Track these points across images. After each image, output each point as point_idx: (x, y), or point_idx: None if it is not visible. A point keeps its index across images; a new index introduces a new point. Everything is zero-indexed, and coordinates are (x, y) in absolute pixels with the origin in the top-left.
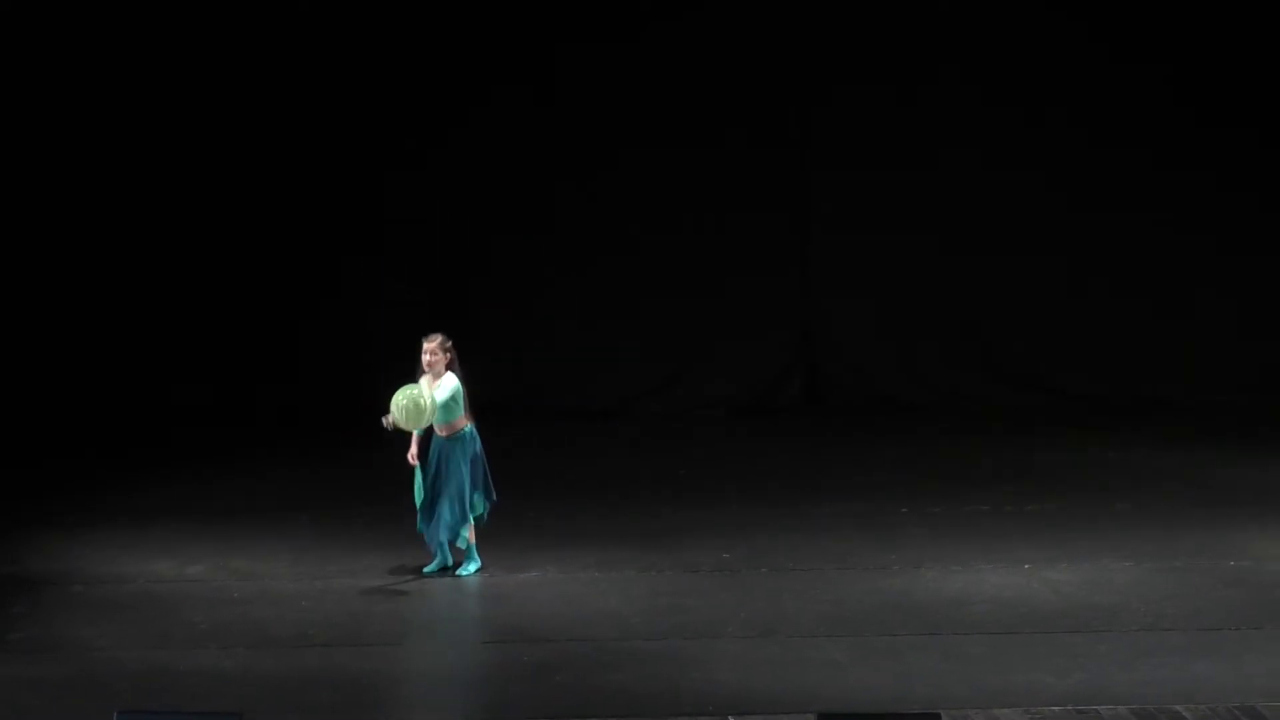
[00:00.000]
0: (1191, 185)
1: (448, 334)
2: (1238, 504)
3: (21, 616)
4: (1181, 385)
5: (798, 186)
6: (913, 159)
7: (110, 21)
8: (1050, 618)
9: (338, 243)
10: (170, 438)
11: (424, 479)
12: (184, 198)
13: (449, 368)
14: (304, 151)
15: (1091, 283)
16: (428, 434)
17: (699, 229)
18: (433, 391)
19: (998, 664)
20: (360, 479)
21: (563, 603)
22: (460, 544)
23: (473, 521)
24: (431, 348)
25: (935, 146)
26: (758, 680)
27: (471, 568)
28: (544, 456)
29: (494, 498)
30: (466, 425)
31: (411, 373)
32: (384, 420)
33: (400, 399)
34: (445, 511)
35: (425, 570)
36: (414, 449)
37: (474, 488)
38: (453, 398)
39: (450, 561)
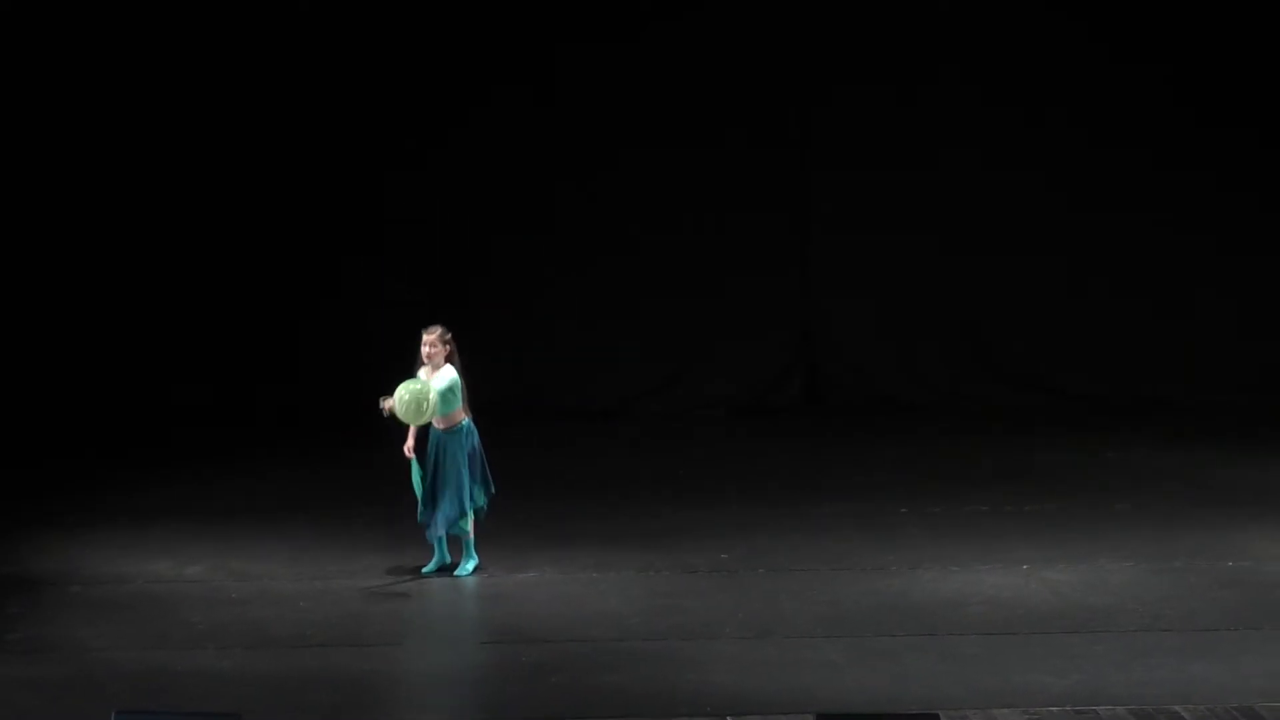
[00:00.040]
0: (1191, 185)
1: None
2: (1237, 504)
3: (20, 616)
4: (1181, 385)
5: (798, 186)
6: (913, 159)
7: (110, 21)
8: (1048, 618)
9: (338, 243)
10: (170, 438)
11: (422, 472)
12: (184, 198)
13: (448, 360)
14: (304, 151)
15: (1091, 283)
16: (425, 426)
17: (699, 229)
18: (430, 382)
19: (996, 664)
20: (359, 479)
21: (561, 603)
22: (457, 533)
23: (472, 515)
24: (431, 339)
25: (935, 146)
26: (755, 681)
27: (469, 566)
28: (543, 456)
29: (493, 490)
30: (464, 418)
31: (411, 372)
32: (382, 405)
33: (404, 394)
34: (445, 504)
35: (424, 570)
36: (410, 441)
37: (473, 480)
38: (450, 389)
39: (448, 559)
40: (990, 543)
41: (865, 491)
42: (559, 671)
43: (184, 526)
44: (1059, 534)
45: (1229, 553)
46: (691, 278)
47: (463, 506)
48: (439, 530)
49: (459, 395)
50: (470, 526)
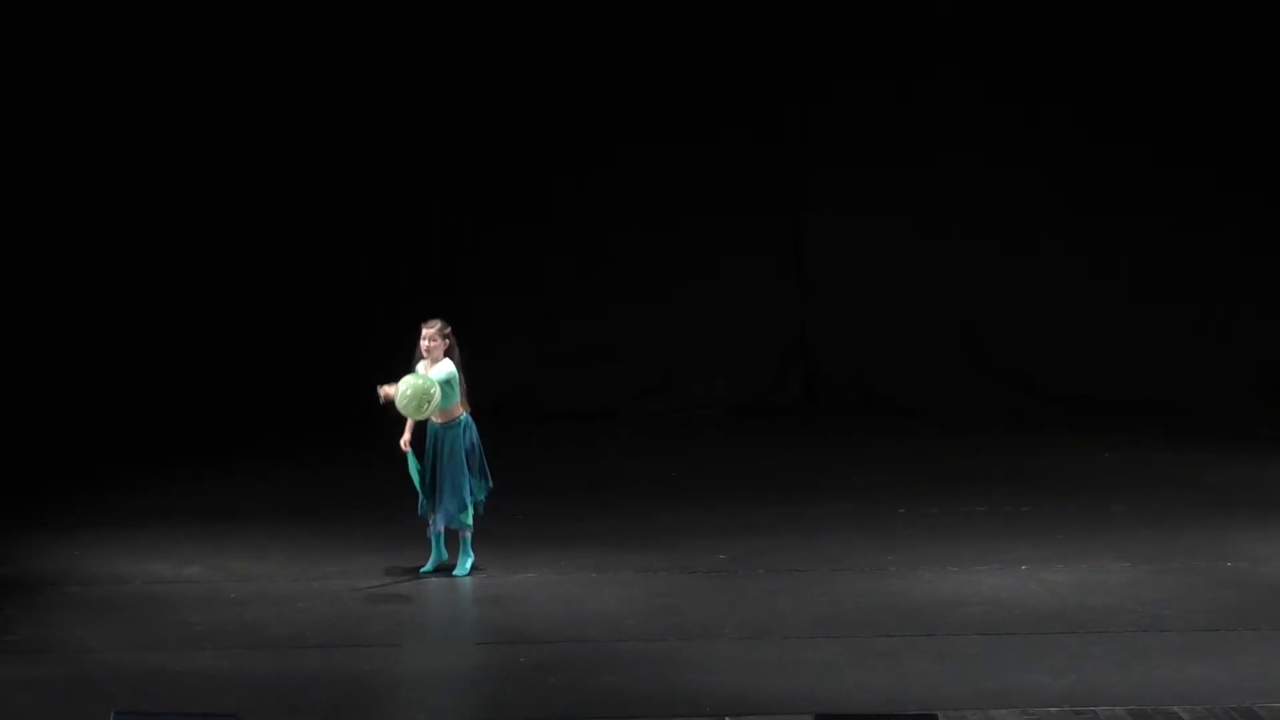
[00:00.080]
0: (1191, 185)
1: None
2: (1236, 505)
3: (18, 617)
4: (1181, 385)
5: (797, 187)
6: (913, 159)
7: (109, 21)
8: (1047, 619)
9: (337, 243)
10: (168, 438)
11: (420, 466)
12: (184, 198)
13: (447, 354)
14: (304, 151)
15: (1091, 283)
16: (422, 420)
17: (698, 229)
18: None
19: (994, 665)
20: (358, 480)
21: (559, 604)
22: (457, 527)
23: (472, 509)
24: (430, 333)
25: (935, 146)
26: (754, 681)
27: (467, 564)
28: (541, 457)
29: (490, 484)
30: (462, 413)
31: (410, 366)
32: (380, 391)
33: (406, 389)
34: (445, 500)
35: (421, 570)
36: (407, 435)
37: (471, 474)
38: (448, 382)
39: (445, 556)
40: (989, 543)
41: (864, 492)
42: (557, 672)
43: (182, 527)
44: (1057, 535)
45: (1227, 553)
46: (691, 278)
47: (463, 500)
48: (438, 526)
49: (457, 389)
50: (471, 520)
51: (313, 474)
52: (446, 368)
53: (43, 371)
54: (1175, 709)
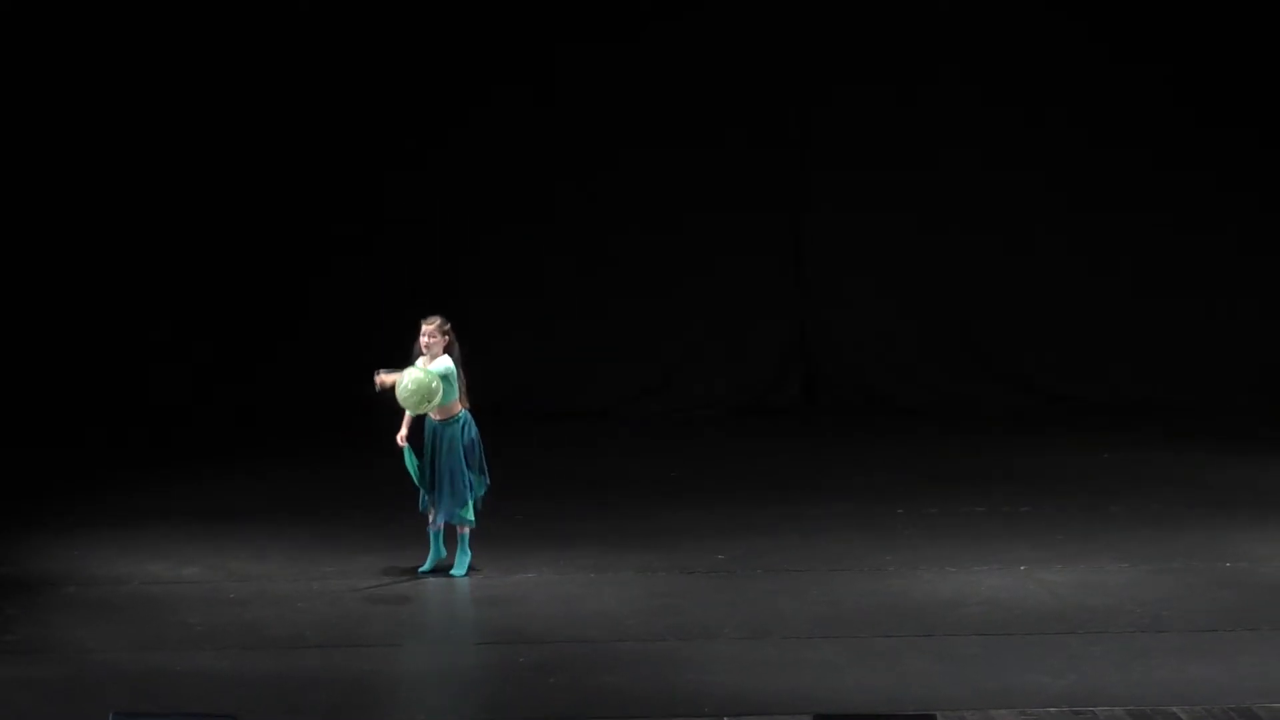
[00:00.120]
0: (1191, 185)
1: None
2: (1236, 505)
3: (16, 618)
4: (1181, 385)
5: (797, 187)
6: (913, 159)
7: (109, 21)
8: (1046, 619)
9: (337, 243)
10: (168, 438)
11: (418, 461)
12: (184, 198)
13: (446, 350)
14: (304, 151)
15: (1091, 283)
16: (420, 416)
17: (698, 229)
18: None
19: (993, 665)
20: (357, 480)
21: (558, 604)
22: (458, 522)
23: (472, 504)
24: (430, 329)
25: (935, 146)
26: (753, 681)
27: (465, 563)
28: (541, 457)
29: (488, 482)
30: (461, 410)
31: (410, 363)
32: (378, 378)
33: (409, 383)
34: (445, 496)
35: (420, 570)
36: (404, 430)
37: (470, 470)
38: (445, 377)
39: (443, 553)
40: (988, 544)
41: (863, 492)
42: (557, 672)
43: (182, 527)
44: (1057, 535)
45: (1227, 553)
46: (691, 278)
47: (463, 497)
48: (438, 523)
49: (455, 385)
50: (473, 516)
51: (313, 474)
52: (444, 363)
53: (43, 371)
54: (1174, 709)
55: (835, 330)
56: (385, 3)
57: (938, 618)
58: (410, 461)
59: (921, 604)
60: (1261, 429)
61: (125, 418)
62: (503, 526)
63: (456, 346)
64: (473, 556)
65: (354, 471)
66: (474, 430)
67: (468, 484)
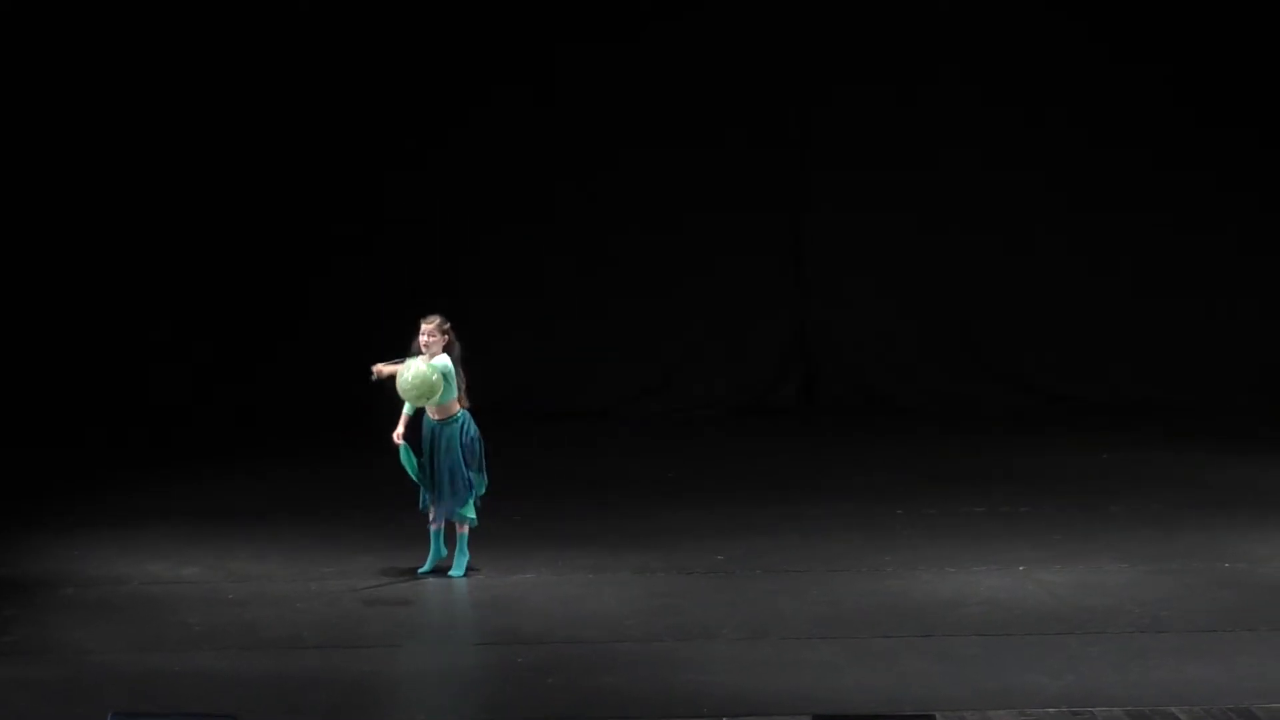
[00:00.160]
0: (1191, 185)
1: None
2: (1235, 505)
3: (16, 618)
4: (1181, 385)
5: (797, 187)
6: (913, 159)
7: (109, 21)
8: (1045, 619)
9: (337, 243)
10: (168, 438)
11: (416, 460)
12: (184, 198)
13: (446, 349)
14: (304, 151)
15: (1091, 283)
16: (418, 416)
17: (698, 229)
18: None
19: (992, 666)
20: (358, 480)
21: (557, 604)
22: (458, 520)
23: (473, 502)
24: (429, 328)
25: (935, 146)
26: (752, 682)
27: (464, 563)
28: (541, 457)
29: (487, 483)
30: (459, 410)
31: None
32: (375, 369)
33: (410, 375)
34: (445, 496)
35: (419, 571)
36: (400, 429)
37: (470, 469)
38: (443, 375)
39: (444, 553)
40: (987, 544)
41: (862, 492)
42: (555, 672)
43: (180, 527)
44: (1056, 535)
45: (1226, 554)
46: (691, 278)
47: (463, 496)
48: (438, 521)
49: (454, 384)
50: (474, 514)
51: (313, 474)
52: (442, 361)
53: (43, 371)
54: (1173, 710)
55: (835, 330)
56: (385, 3)
57: (937, 618)
58: (407, 459)
59: (921, 604)
60: (1261, 429)
61: (125, 418)
62: (502, 527)
63: (456, 346)
64: (471, 557)
65: (354, 471)
66: (473, 430)
67: (467, 483)
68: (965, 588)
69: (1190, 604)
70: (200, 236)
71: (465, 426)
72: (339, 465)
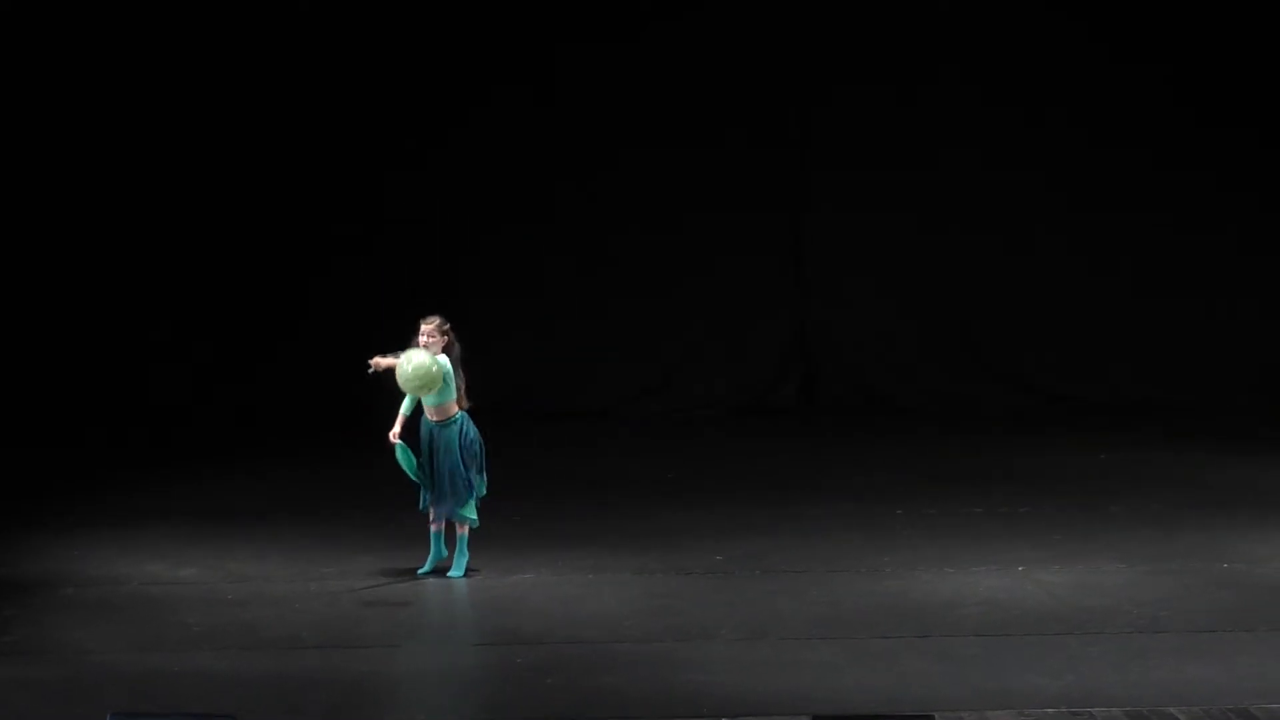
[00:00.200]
0: (1191, 185)
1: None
2: (1235, 505)
3: (15, 618)
4: (1181, 385)
5: (797, 187)
6: (913, 159)
7: (109, 21)
8: (1044, 620)
9: (337, 243)
10: (168, 438)
11: (415, 460)
12: (184, 198)
13: (445, 350)
14: (304, 151)
15: (1091, 283)
16: (415, 417)
17: (698, 229)
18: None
19: (991, 666)
20: (358, 480)
21: (556, 605)
22: (458, 520)
23: (474, 503)
24: (429, 329)
25: (935, 146)
26: (751, 682)
27: (463, 564)
28: (541, 457)
29: (486, 483)
30: (458, 411)
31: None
32: (373, 362)
33: (411, 367)
34: (445, 497)
35: (419, 571)
36: (397, 428)
37: (468, 469)
38: (443, 377)
39: (444, 553)
40: (987, 544)
41: (861, 493)
42: (555, 673)
43: (180, 527)
44: (1055, 535)
45: (1225, 554)
46: (690, 278)
47: (463, 496)
48: (439, 522)
49: (452, 385)
50: (475, 515)
51: (313, 474)
52: (442, 361)
53: (43, 371)
54: (1172, 710)
55: (835, 330)
56: (385, 3)
57: (936, 618)
58: (405, 459)
59: (920, 605)
60: (1261, 429)
61: (125, 418)
62: (502, 527)
63: (456, 347)
64: (471, 557)
65: (354, 471)
66: (472, 431)
67: (467, 484)
68: (964, 588)
69: (1189, 604)
70: (200, 236)
71: (464, 428)
72: (339, 465)
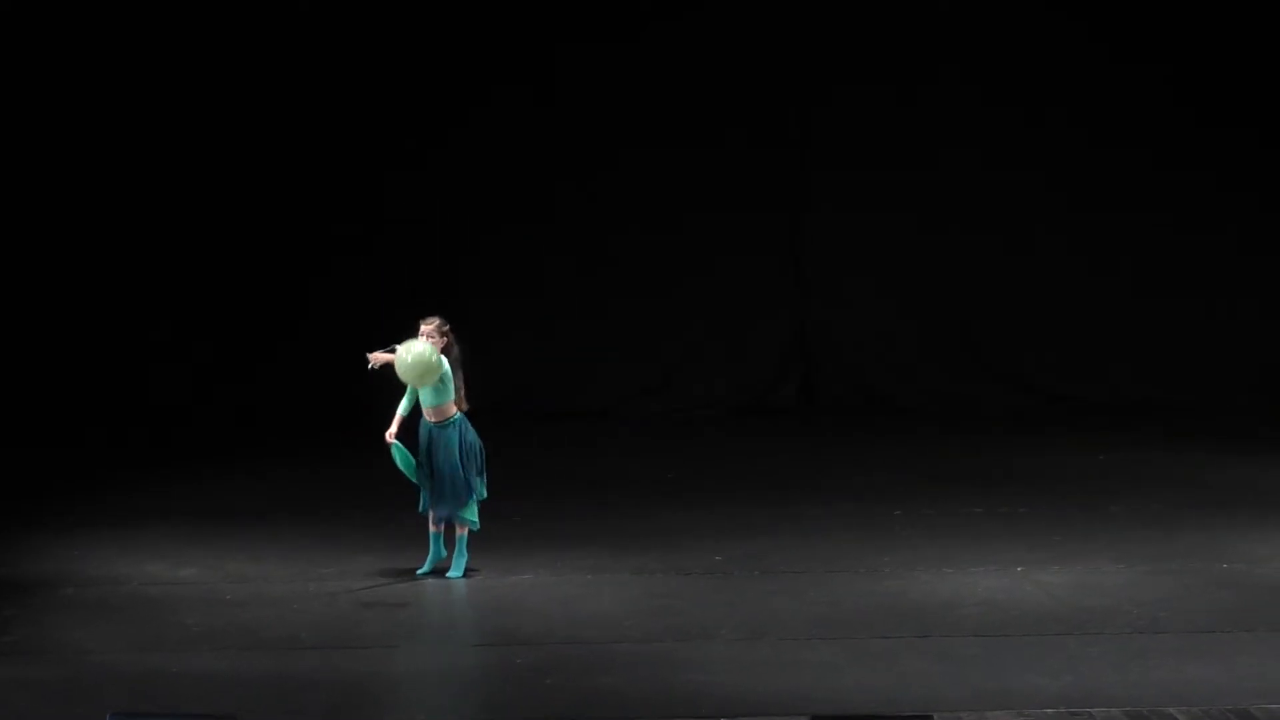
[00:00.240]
0: (1191, 185)
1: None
2: (1234, 505)
3: (15, 618)
4: (1181, 385)
5: (797, 187)
6: (913, 159)
7: (109, 21)
8: (1043, 620)
9: (337, 243)
10: (168, 438)
11: (413, 461)
12: (184, 198)
13: (445, 352)
14: (304, 151)
15: (1091, 283)
16: (414, 418)
17: (698, 229)
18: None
19: (990, 666)
20: (358, 480)
21: (556, 605)
22: (459, 521)
23: (474, 504)
24: (429, 330)
25: (935, 146)
26: (751, 682)
27: (462, 565)
28: (541, 457)
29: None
30: (456, 412)
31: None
32: (371, 356)
33: (411, 357)
34: (446, 498)
35: (418, 572)
36: (393, 428)
37: (467, 472)
38: (441, 378)
39: (444, 553)
40: (986, 544)
41: (862, 492)
42: (554, 673)
43: (180, 528)
44: (1055, 536)
45: (1225, 554)
46: (690, 278)
47: (463, 498)
48: (439, 524)
49: (450, 386)
50: (475, 517)
51: (313, 474)
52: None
53: (43, 371)
54: (1172, 710)
55: (835, 330)
56: (385, 3)
57: (935, 619)
58: (402, 459)
59: (919, 605)
60: (1261, 429)
61: (125, 418)
62: (501, 527)
63: (455, 348)
64: (470, 558)
65: (354, 471)
66: (472, 434)
67: (467, 486)
68: (964, 588)
69: (1189, 604)
70: (200, 236)
71: (463, 429)
72: (339, 465)
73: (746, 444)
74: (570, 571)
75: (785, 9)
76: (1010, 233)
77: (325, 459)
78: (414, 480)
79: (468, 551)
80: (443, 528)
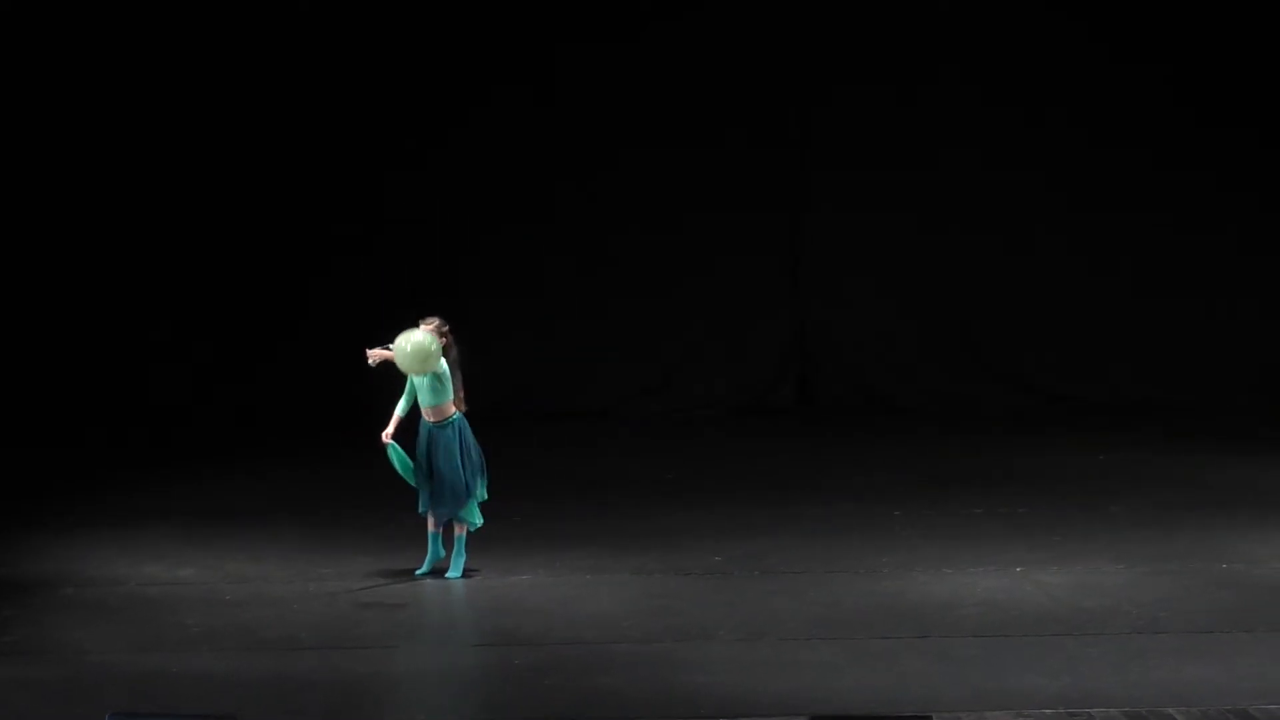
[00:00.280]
0: (1191, 185)
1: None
2: (1234, 505)
3: (14, 619)
4: (1181, 385)
5: (797, 187)
6: (913, 159)
7: (109, 21)
8: (1042, 620)
9: (337, 243)
10: (168, 438)
11: (411, 462)
12: (184, 198)
13: (444, 352)
14: (304, 151)
15: (1091, 283)
16: (413, 419)
17: (698, 229)
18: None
19: (990, 666)
20: (357, 480)
21: (555, 605)
22: (459, 520)
23: (475, 504)
24: (428, 330)
25: (935, 146)
26: (750, 683)
27: (460, 565)
28: (541, 457)
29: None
30: (455, 413)
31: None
32: (369, 353)
33: (410, 347)
34: (446, 498)
35: (417, 572)
36: (390, 428)
37: (466, 473)
38: (439, 377)
39: (442, 553)
40: (985, 544)
41: (861, 493)
42: (553, 673)
43: (177, 528)
44: (1054, 536)
45: (1225, 554)
46: (691, 278)
47: (462, 499)
48: (438, 524)
49: (449, 386)
50: (477, 517)
51: (313, 474)
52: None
53: (43, 371)
54: (1171, 711)
55: (835, 330)
56: (385, 3)
57: (935, 619)
58: (399, 460)
59: (919, 605)
60: (1261, 429)
61: (125, 418)
62: (501, 528)
63: (455, 348)
64: (469, 558)
65: (354, 471)
66: (469, 434)
67: (466, 485)
68: (963, 588)
69: (1189, 605)
70: (200, 236)
71: (461, 430)
72: (339, 465)
73: (746, 444)
74: (569, 572)
75: (785, 9)
76: (1010, 233)
77: (325, 459)
78: (410, 481)
79: (466, 552)
80: (441, 529)
